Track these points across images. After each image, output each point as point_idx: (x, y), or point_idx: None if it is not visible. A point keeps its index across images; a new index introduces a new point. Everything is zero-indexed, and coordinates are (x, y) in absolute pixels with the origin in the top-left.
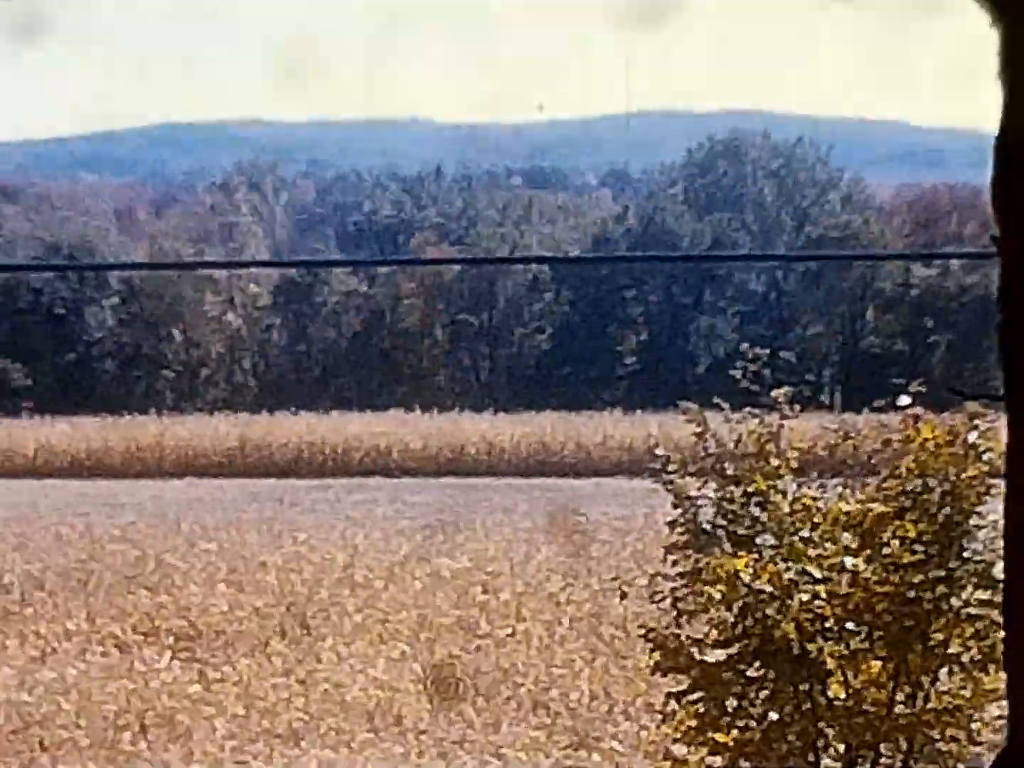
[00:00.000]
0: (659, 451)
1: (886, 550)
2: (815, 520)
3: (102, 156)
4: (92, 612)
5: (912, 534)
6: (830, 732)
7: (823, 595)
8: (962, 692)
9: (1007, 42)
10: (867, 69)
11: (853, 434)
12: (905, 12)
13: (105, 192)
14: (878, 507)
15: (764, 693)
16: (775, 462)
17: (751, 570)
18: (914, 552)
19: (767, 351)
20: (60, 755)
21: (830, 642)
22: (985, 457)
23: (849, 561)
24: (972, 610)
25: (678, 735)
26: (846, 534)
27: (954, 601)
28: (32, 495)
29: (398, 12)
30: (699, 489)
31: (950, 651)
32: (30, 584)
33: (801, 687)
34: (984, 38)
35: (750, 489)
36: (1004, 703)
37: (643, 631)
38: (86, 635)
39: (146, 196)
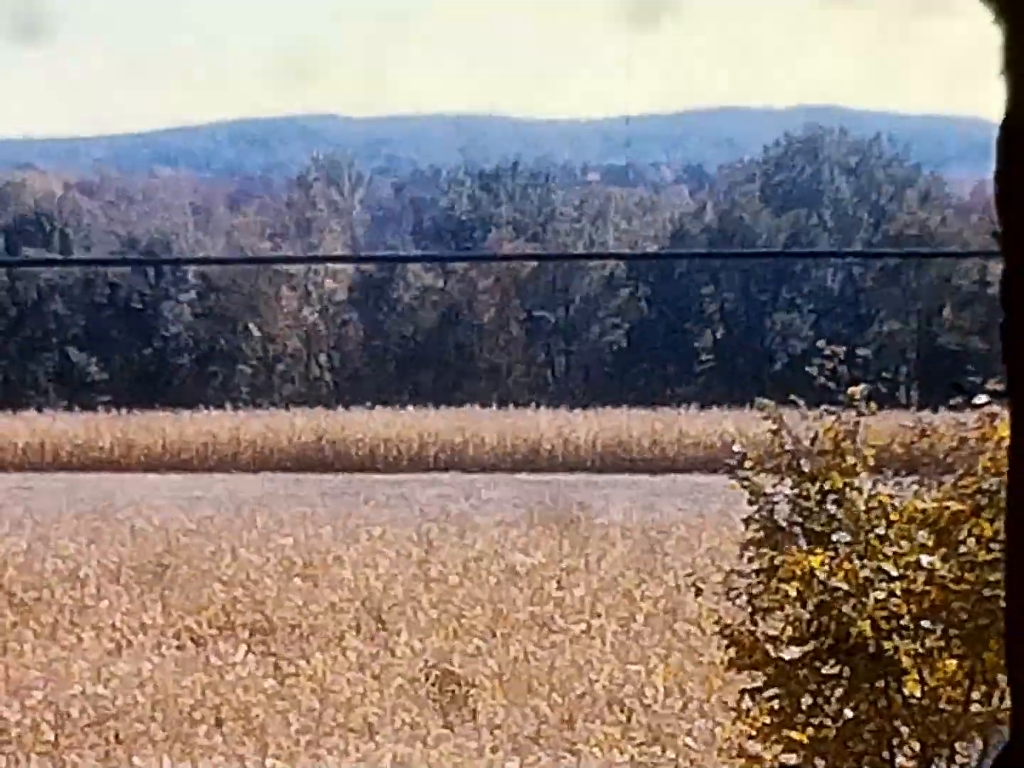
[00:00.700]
0: (735, 447)
1: (962, 548)
2: (891, 518)
3: (180, 151)
4: (168, 606)
5: (988, 532)
6: (905, 730)
7: (899, 593)
8: None
9: (1010, 39)
10: (944, 65)
11: (930, 432)
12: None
13: (183, 187)
14: (954, 505)
15: (839, 691)
16: (851, 459)
17: (827, 567)
18: (990, 550)
19: (844, 348)
20: (135, 748)
21: (906, 640)
22: None
23: (925, 559)
24: None
25: (752, 732)
26: (922, 532)
27: None
28: (108, 489)
29: (477, 7)
30: (775, 486)
31: None
32: (106, 577)
33: (876, 685)
34: None
35: (826, 486)
36: None
37: (718, 628)
38: (161, 629)
39: (223, 191)
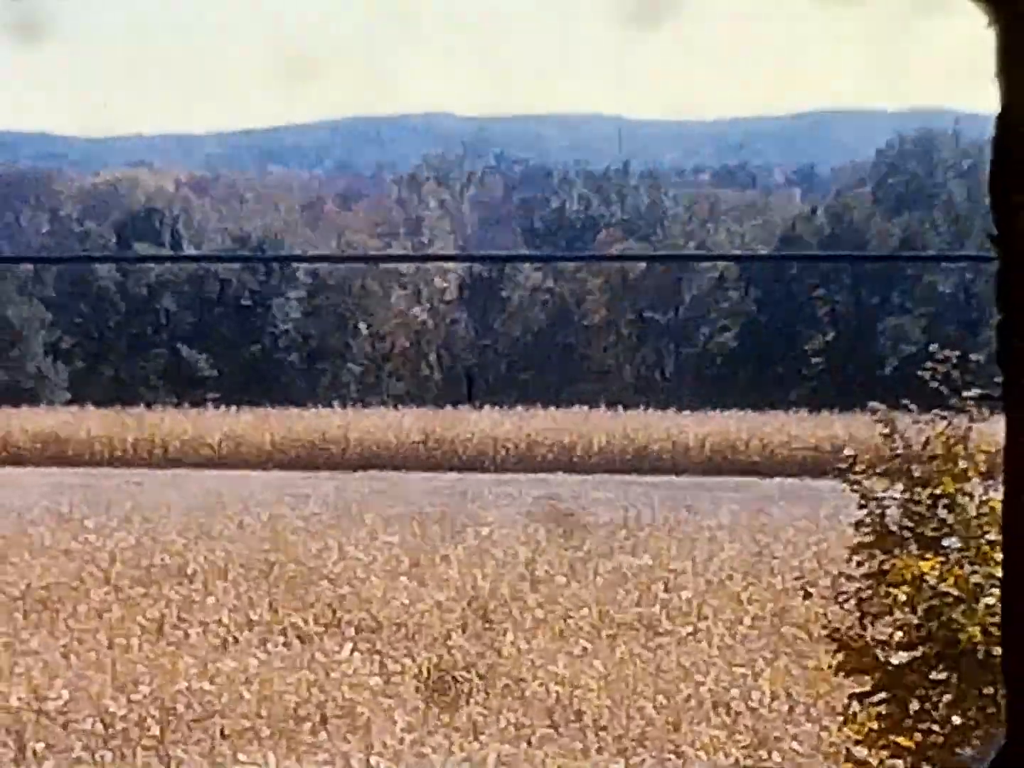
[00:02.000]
0: (846, 451)
1: None
2: None
3: (291, 148)
4: (274, 602)
5: None
6: None
7: None
8: None
9: (1004, 41)
10: None
11: None
12: None
13: (293, 185)
14: None
15: (948, 697)
16: (963, 464)
17: (937, 572)
18: None
19: (956, 352)
20: (241, 744)
21: None
22: None
23: None
24: None
25: (859, 737)
26: None
27: None
28: (216, 485)
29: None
30: (885, 490)
31: None
32: (213, 574)
33: (985, 691)
34: None
35: (938, 491)
36: None
37: (826, 632)
38: (268, 625)
39: (334, 189)
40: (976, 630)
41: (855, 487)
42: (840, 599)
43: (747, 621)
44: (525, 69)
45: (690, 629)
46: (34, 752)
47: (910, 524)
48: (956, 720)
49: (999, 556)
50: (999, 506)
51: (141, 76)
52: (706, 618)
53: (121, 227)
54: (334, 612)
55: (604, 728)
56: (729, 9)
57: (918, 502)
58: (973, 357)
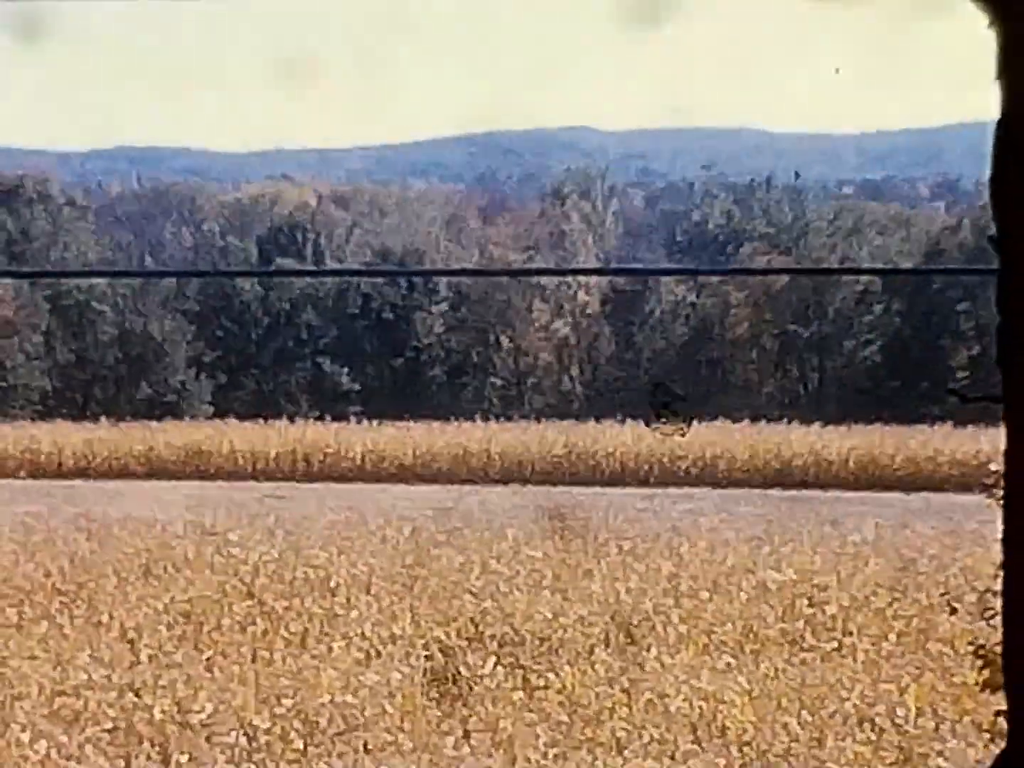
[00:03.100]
0: (992, 466)
1: None
2: None
3: (433, 162)
4: (417, 616)
5: None
6: None
7: None
8: None
9: (1005, 43)
10: None
11: None
12: None
13: (435, 198)
14: None
15: None
16: None
17: None
18: None
19: None
20: (383, 758)
21: None
22: None
23: None
24: None
25: None
26: None
27: None
28: (359, 499)
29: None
30: None
31: None
32: (356, 587)
33: None
34: None
35: None
36: None
37: (972, 648)
38: (410, 639)
39: (475, 202)
40: None
41: (1001, 502)
42: (987, 615)
43: (892, 637)
44: (672, 83)
45: (835, 644)
46: (178, 764)
47: None
48: None
49: None
50: None
51: (277, 89)
52: (851, 634)
53: (263, 241)
54: (476, 626)
55: (748, 744)
56: (888, 11)
57: None
58: None
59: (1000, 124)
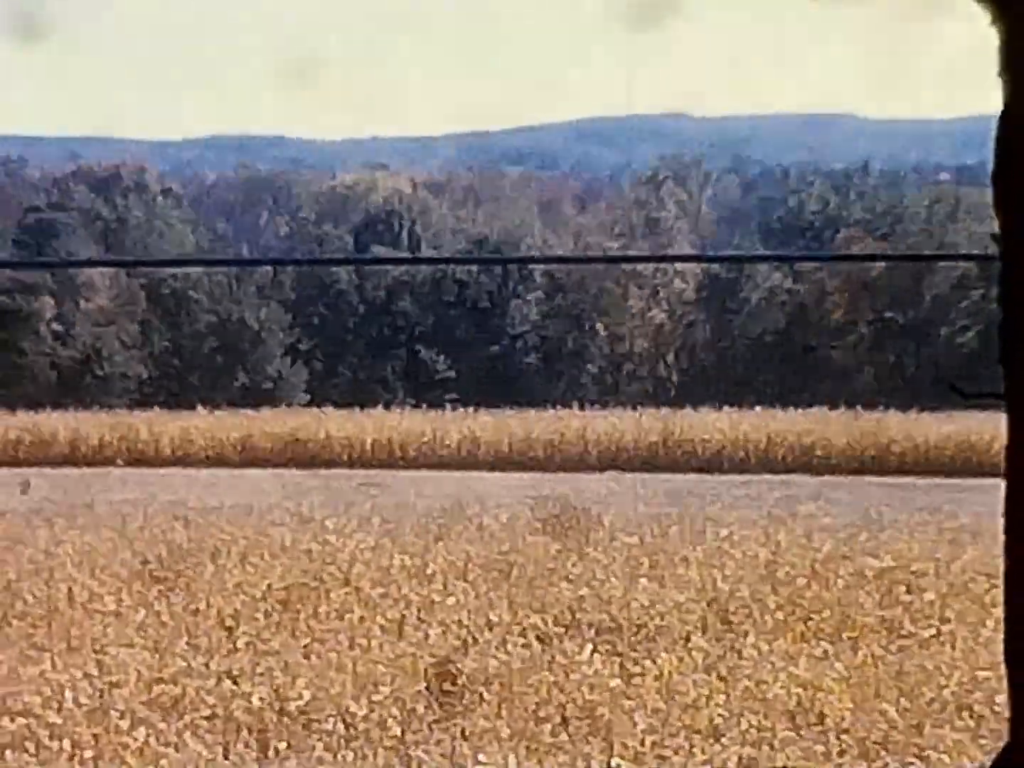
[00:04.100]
0: None
1: None
2: None
3: (527, 150)
4: (514, 603)
5: None
6: None
7: None
8: None
9: (1007, 41)
10: None
11: None
12: None
13: (530, 186)
14: None
15: None
16: None
17: None
18: None
19: None
20: (481, 745)
21: None
22: None
23: None
24: None
25: None
26: None
27: None
28: (455, 487)
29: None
30: None
31: None
32: (453, 574)
33: None
34: None
35: None
36: None
37: None
38: (507, 626)
39: (571, 190)
40: None
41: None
42: None
43: (990, 624)
44: (759, 68)
45: (933, 631)
46: (276, 751)
47: None
48: None
49: None
50: None
51: (369, 77)
52: (949, 621)
53: (359, 229)
54: (573, 613)
55: (846, 731)
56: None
57: None
58: None
59: (1002, 122)
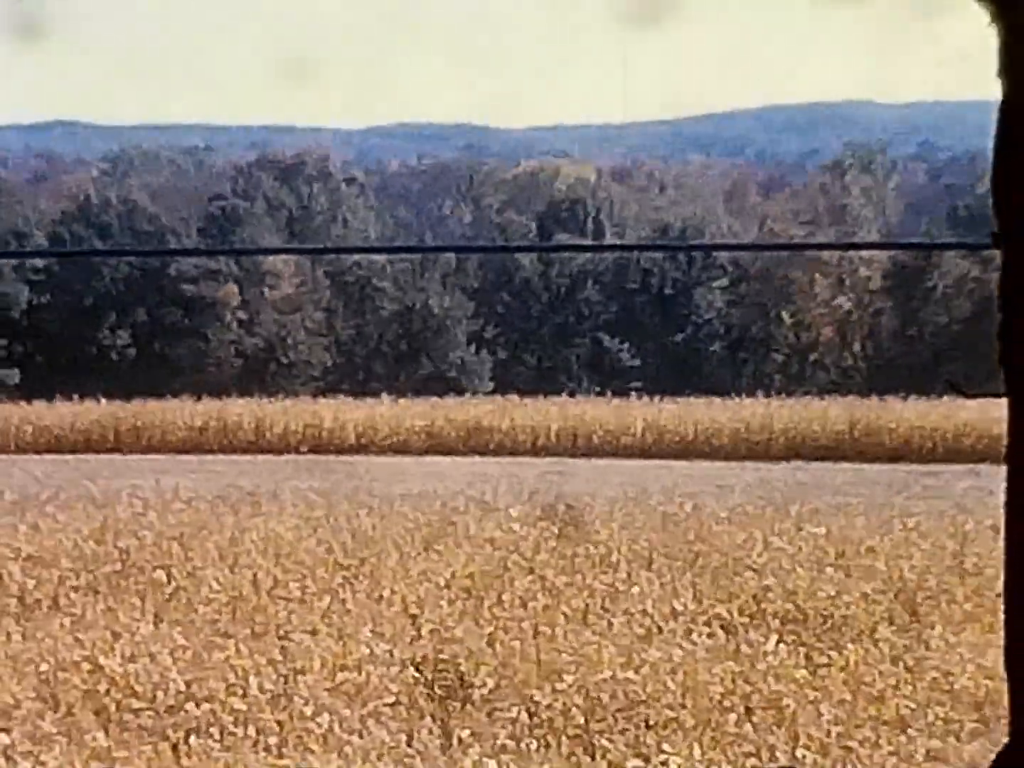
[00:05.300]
0: None
1: None
2: None
3: (712, 138)
4: (699, 593)
5: None
6: None
7: None
8: None
9: (1007, 42)
10: None
11: None
12: None
13: (715, 173)
14: None
15: None
16: None
17: None
18: None
19: None
20: (665, 735)
21: None
22: None
23: None
24: None
25: None
26: None
27: None
28: (640, 475)
29: None
30: None
31: None
32: (637, 563)
33: None
34: None
35: None
36: None
37: None
38: (692, 616)
39: (756, 177)
40: None
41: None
42: None
43: None
44: (946, 54)
45: None
46: (459, 740)
47: None
48: None
49: None
50: None
51: (550, 65)
52: None
53: (543, 217)
54: (758, 603)
55: None
56: None
57: None
58: None
59: (1001, 118)
